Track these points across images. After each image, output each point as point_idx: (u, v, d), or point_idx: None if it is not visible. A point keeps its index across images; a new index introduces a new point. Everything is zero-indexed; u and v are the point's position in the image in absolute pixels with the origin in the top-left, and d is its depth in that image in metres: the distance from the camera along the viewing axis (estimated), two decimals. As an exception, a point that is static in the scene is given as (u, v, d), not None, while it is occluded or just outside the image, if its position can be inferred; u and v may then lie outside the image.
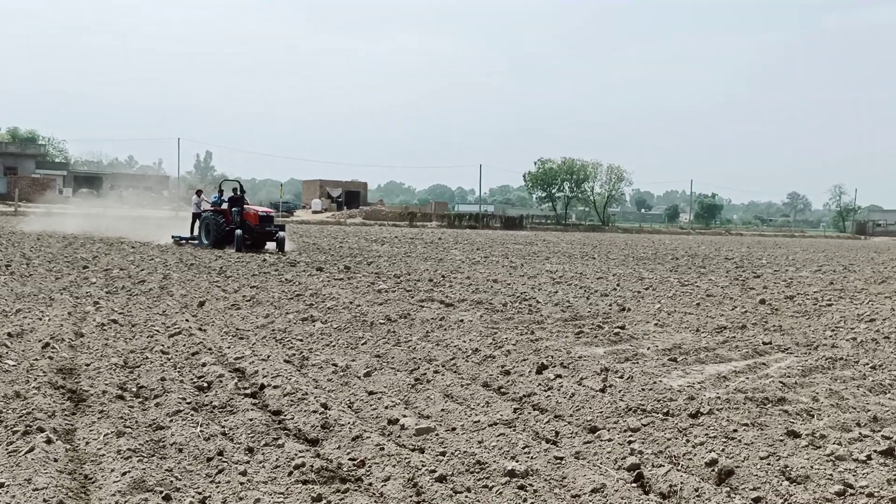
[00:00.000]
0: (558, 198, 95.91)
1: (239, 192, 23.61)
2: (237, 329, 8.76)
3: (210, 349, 7.41)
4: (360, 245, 29.30)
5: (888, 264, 27.73)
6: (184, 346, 7.47)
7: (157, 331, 8.26)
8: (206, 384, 6.01)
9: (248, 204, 23.57)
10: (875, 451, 4.76)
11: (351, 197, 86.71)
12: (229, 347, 7.55)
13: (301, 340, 8.22)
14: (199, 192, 26.71)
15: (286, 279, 14.46)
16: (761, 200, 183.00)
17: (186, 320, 9.00)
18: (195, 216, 24.86)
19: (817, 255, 35.10)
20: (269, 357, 7.01)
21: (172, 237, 24.48)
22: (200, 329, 8.54)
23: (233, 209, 23.00)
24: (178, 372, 6.36)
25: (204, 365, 6.57)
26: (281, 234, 22.83)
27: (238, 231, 22.24)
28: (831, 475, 4.30)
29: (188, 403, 5.35)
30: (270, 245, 23.09)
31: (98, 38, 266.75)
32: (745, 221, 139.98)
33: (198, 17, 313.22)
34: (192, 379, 6.15)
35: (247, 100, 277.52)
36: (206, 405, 5.43)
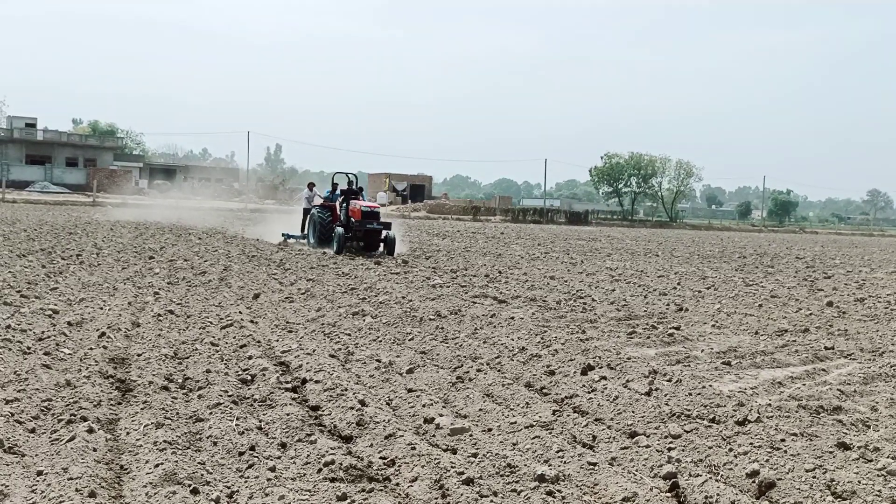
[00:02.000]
0: (625, 193, 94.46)
1: (355, 186, 20.83)
2: (287, 322, 8.88)
3: (259, 342, 7.52)
4: (421, 239, 29.40)
5: (972, 266, 26.36)
6: (234, 338, 7.61)
7: (210, 322, 8.43)
8: (249, 377, 6.10)
9: (359, 199, 20.37)
10: (932, 467, 4.51)
11: (416, 190, 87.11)
12: (278, 341, 7.65)
13: (349, 335, 8.28)
14: (311, 186, 23.32)
15: (343, 273, 14.60)
16: (839, 197, 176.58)
17: (240, 312, 9.17)
18: (306, 212, 22.01)
19: (896, 255, 33.67)
20: (314, 351, 7.08)
21: (282, 235, 22.40)
22: (252, 321, 8.69)
23: (342, 205, 20.17)
24: (225, 364, 6.48)
25: (250, 358, 6.67)
26: (389, 233, 19.42)
27: (339, 229, 19.29)
28: (880, 491, 4.09)
29: (229, 396, 5.44)
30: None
31: (175, 34, 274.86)
32: (822, 219, 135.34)
33: (269, 12, 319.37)
34: (236, 371, 6.25)
35: (316, 93, 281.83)
36: (247, 398, 5.51)
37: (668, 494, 4.06)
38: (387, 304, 10.68)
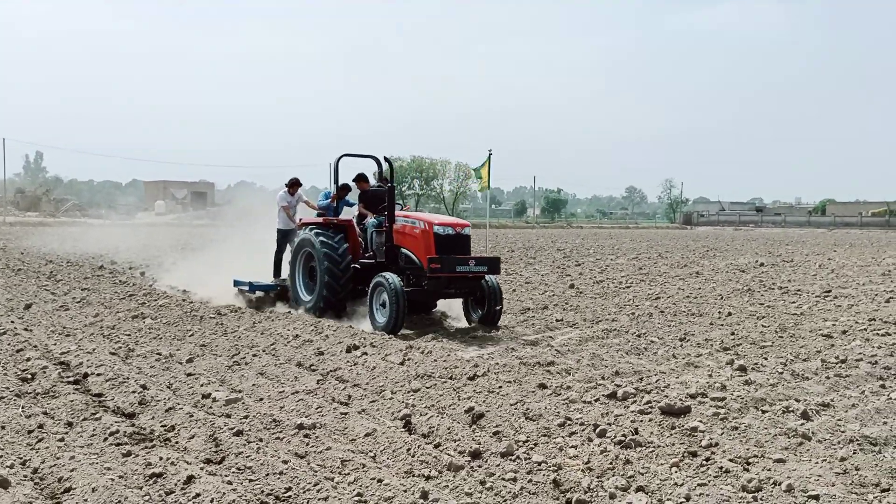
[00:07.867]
0: (409, 195, 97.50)
1: (384, 183, 11.18)
2: (64, 328, 9.05)
3: (35, 346, 7.74)
4: (205, 246, 29.06)
5: (698, 251, 30.73)
6: (8, 344, 7.76)
7: (-19, 333, 8.43)
8: (30, 375, 6.43)
9: (396, 208, 10.43)
10: (603, 395, 5.97)
11: (197, 198, 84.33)
12: (55, 344, 7.90)
13: (129, 335, 8.67)
14: (293, 186, 12.45)
15: (120, 281, 14.56)
16: (603, 195, 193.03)
17: (12, 322, 9.18)
18: (284, 236, 12.30)
19: (641, 244, 38.12)
20: (94, 350, 7.46)
21: (235, 283, 12.11)
22: (26, 329, 8.78)
23: (367, 220, 10.87)
24: (2, 367, 6.73)
25: (28, 360, 6.95)
26: (491, 280, 10.03)
27: (390, 277, 9.36)
28: (559, 412, 5.43)
29: (11, 391, 5.80)
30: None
31: None
32: (588, 215, 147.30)
33: (23, 7, 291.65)
34: (16, 372, 6.55)
35: (80, 98, 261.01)
36: (30, 393, 5.90)
37: (403, 429, 5.12)
38: (167, 306, 11.04)
